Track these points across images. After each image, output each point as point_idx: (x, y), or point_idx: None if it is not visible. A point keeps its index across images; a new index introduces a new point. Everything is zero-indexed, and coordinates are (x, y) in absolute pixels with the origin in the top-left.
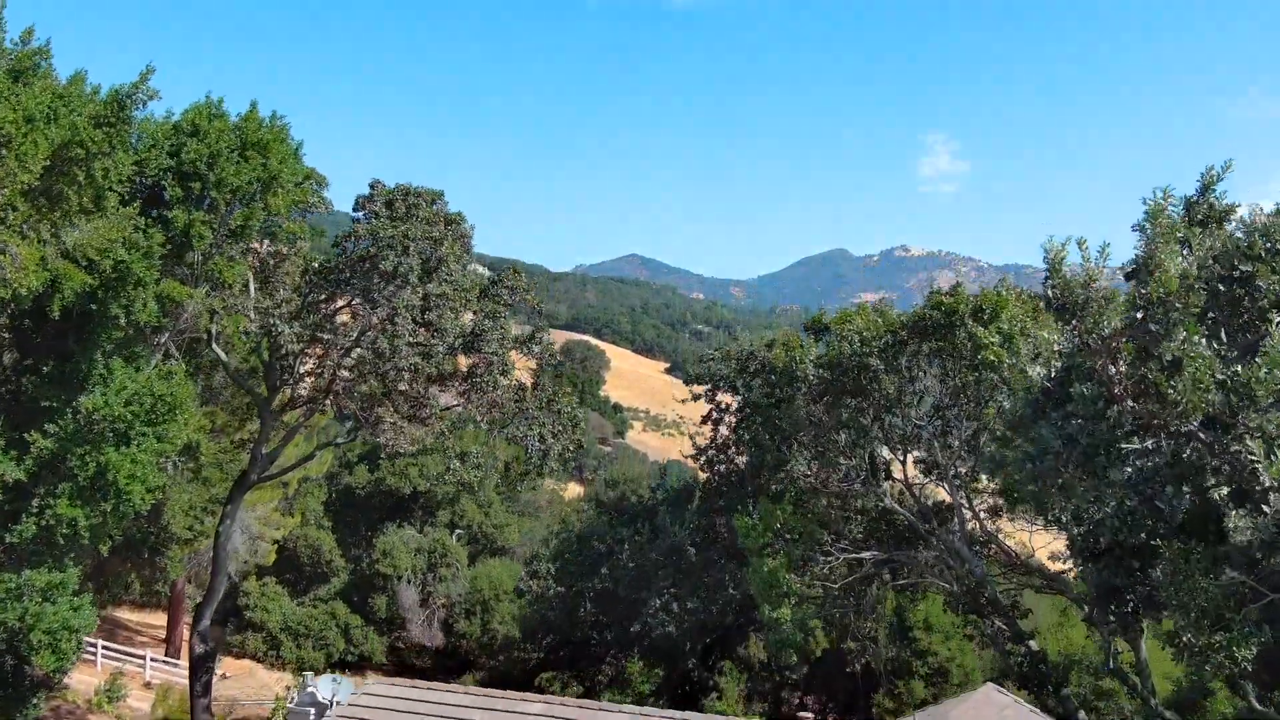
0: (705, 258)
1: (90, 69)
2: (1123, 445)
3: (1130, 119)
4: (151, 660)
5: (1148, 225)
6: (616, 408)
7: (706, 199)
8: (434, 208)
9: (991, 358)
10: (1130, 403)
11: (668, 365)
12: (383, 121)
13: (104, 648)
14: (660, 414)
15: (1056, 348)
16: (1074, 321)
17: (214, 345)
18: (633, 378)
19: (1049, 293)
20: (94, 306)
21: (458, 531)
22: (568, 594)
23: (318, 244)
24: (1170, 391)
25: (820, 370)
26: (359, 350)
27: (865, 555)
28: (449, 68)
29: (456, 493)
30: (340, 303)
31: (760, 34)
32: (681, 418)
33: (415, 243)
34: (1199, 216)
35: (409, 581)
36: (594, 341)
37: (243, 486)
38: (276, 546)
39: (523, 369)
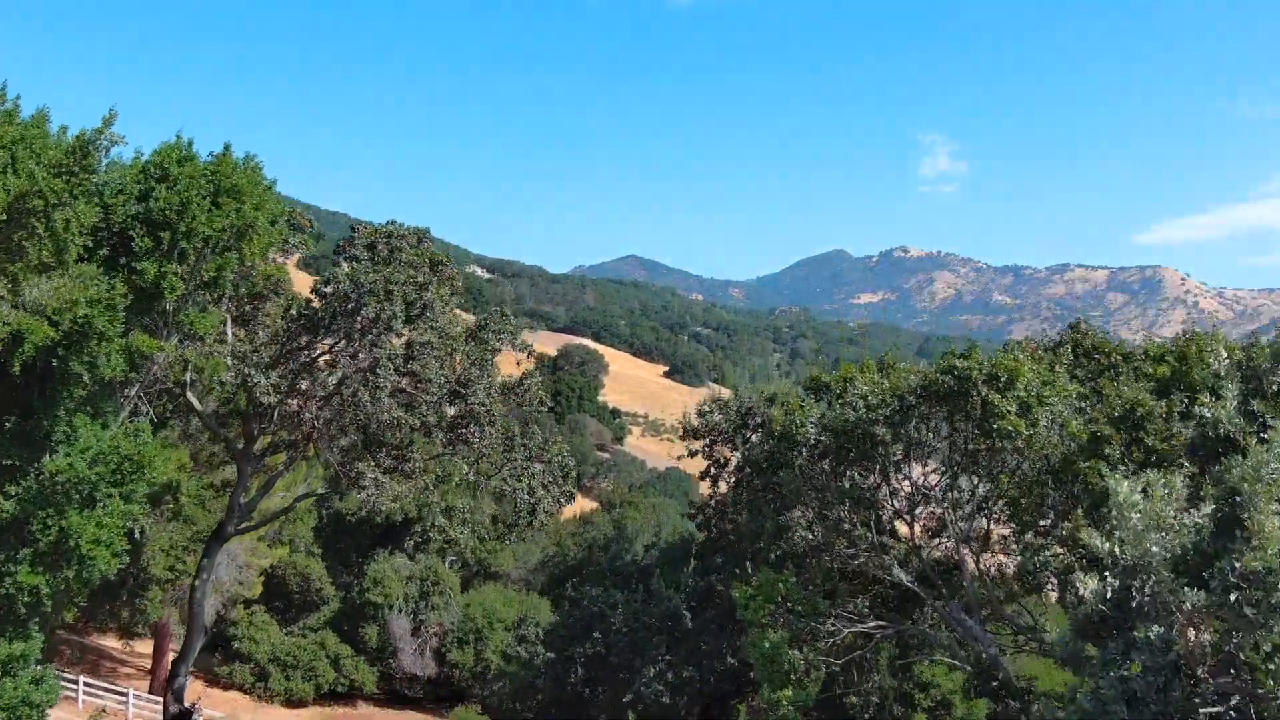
0: (704, 258)
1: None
2: (1202, 711)
3: (1129, 118)
4: (135, 697)
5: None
6: (615, 413)
7: (706, 199)
8: (420, 247)
9: (1009, 428)
10: (1212, 679)
11: (666, 368)
12: (382, 121)
13: (85, 685)
14: (659, 418)
15: (1116, 559)
16: (1141, 587)
17: (188, 394)
18: (631, 381)
19: (1103, 546)
20: (55, 362)
21: (450, 558)
22: (558, 660)
23: (317, 247)
24: (1270, 681)
25: (823, 435)
26: (340, 397)
27: (870, 625)
28: (449, 68)
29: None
30: (321, 349)
31: (759, 34)
32: (680, 423)
33: (398, 287)
34: None
35: (400, 610)
36: (592, 345)
37: (220, 538)
38: (263, 577)
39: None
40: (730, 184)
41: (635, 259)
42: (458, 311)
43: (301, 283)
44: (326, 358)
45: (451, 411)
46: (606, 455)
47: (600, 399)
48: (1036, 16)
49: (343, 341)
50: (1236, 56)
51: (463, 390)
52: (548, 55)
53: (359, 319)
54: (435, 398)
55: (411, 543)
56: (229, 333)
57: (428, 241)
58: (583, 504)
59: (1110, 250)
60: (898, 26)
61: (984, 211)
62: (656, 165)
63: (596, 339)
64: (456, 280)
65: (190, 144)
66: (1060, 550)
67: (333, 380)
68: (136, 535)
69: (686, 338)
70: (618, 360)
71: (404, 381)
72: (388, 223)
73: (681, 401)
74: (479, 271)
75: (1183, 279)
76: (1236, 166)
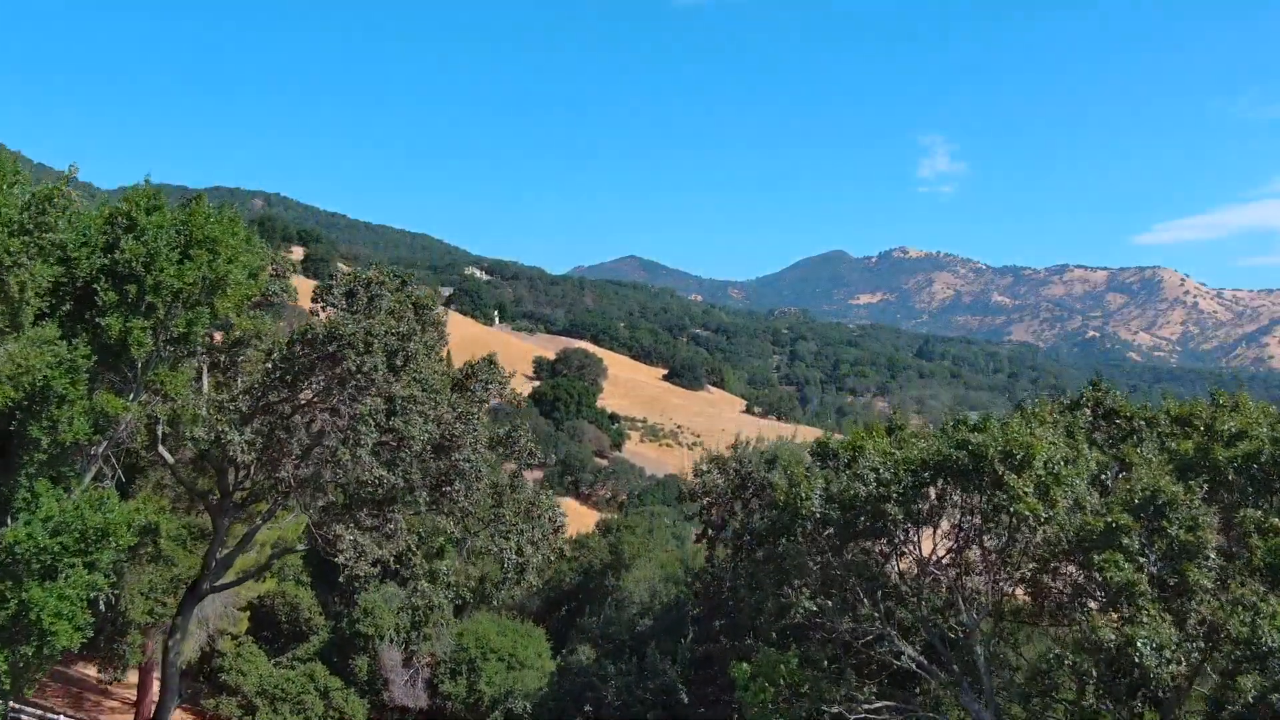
0: (704, 259)
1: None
2: None
3: (1129, 119)
4: None
5: None
6: (613, 418)
7: (705, 200)
8: (403, 292)
9: (1026, 511)
10: None
11: (666, 371)
12: (382, 122)
13: None
14: (658, 423)
15: None
16: None
17: (160, 448)
18: (630, 385)
19: None
20: (14, 425)
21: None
22: None
23: (318, 248)
24: None
25: (829, 508)
26: (318, 450)
27: (878, 706)
28: (448, 69)
29: (443, 546)
30: (301, 399)
31: (759, 34)
32: (680, 427)
33: (379, 339)
34: None
35: (391, 640)
36: (591, 348)
37: (195, 596)
38: (250, 609)
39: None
40: (730, 184)
41: (635, 259)
42: (444, 354)
43: (302, 286)
44: (305, 409)
45: (436, 468)
46: (605, 462)
47: (599, 403)
48: (1036, 17)
49: (321, 395)
50: (1236, 56)
51: (448, 445)
52: (548, 54)
53: (338, 370)
54: (419, 454)
55: (404, 575)
56: (204, 381)
57: (411, 286)
58: (582, 511)
59: (1109, 251)
60: (897, 27)
61: (983, 212)
62: (656, 165)
63: (595, 342)
64: (443, 323)
65: (158, 193)
66: (1071, 652)
67: (314, 428)
68: (102, 606)
69: (686, 340)
70: (617, 363)
71: (386, 438)
72: (371, 266)
73: (681, 405)
74: (478, 273)
75: (1182, 279)
76: (1236, 166)
